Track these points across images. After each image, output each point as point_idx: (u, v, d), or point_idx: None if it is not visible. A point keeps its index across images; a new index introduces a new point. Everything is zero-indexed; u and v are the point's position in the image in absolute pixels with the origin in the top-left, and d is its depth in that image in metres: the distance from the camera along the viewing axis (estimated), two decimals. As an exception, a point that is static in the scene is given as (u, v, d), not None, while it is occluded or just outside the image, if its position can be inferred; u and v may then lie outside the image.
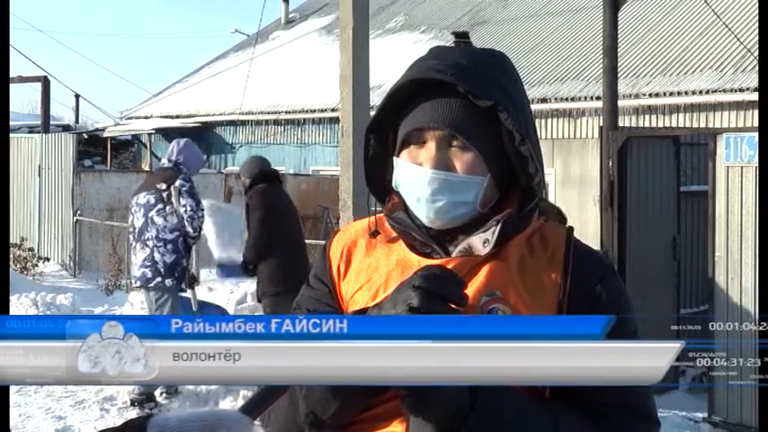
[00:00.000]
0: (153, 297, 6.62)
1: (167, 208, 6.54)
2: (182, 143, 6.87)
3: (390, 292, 1.33)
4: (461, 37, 1.50)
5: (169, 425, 1.11)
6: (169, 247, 6.53)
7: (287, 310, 6.01)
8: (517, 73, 1.51)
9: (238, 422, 1.14)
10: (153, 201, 6.58)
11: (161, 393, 6.82)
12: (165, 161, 6.83)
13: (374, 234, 1.50)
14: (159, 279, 6.52)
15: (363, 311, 1.35)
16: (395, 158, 1.47)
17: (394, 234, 1.49)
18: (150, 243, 6.55)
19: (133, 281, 6.84)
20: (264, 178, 6.59)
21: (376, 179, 1.54)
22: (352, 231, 1.56)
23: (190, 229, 6.56)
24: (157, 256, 6.52)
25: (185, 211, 6.52)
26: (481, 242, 1.41)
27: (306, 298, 1.55)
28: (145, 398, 6.57)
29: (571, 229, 1.49)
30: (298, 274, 6.34)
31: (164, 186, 6.58)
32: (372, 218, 1.53)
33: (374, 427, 1.39)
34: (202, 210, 6.61)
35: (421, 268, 1.33)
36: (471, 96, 1.39)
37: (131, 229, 6.77)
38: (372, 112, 1.49)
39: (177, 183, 6.56)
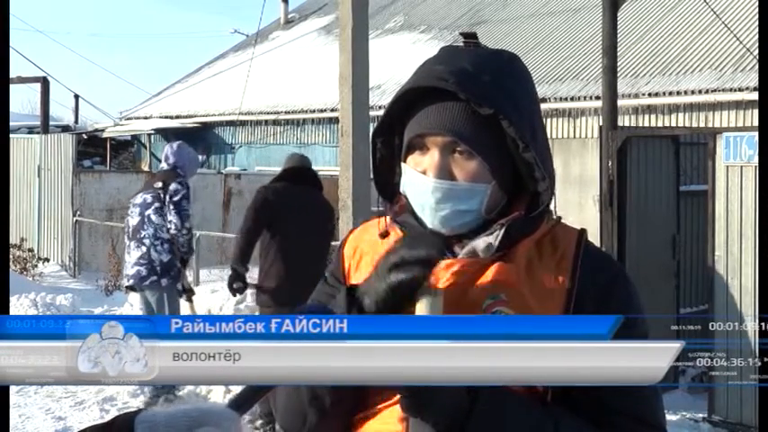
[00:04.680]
0: (150, 297, 6.56)
1: (164, 207, 6.50)
2: (175, 146, 6.80)
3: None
4: (470, 38, 1.48)
5: (157, 420, 1.11)
6: (165, 246, 6.48)
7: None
8: (528, 75, 1.49)
9: (226, 418, 1.14)
10: (150, 199, 6.53)
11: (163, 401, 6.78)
12: (163, 164, 6.79)
13: (384, 235, 1.51)
14: (155, 278, 6.46)
15: (354, 288, 1.37)
16: (402, 164, 1.47)
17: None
18: (147, 241, 6.47)
19: (126, 280, 6.69)
20: (288, 176, 6.06)
21: (384, 181, 1.54)
22: (365, 231, 1.57)
23: (177, 245, 6.53)
24: (154, 255, 6.46)
25: (170, 229, 6.46)
26: (484, 245, 1.41)
27: (321, 293, 1.56)
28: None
29: (583, 231, 1.48)
30: (297, 289, 5.63)
31: (160, 185, 6.55)
32: (382, 219, 1.53)
33: (375, 425, 1.39)
34: (187, 228, 6.52)
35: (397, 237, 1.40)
36: (472, 104, 1.38)
37: (127, 229, 6.73)
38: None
39: (172, 186, 6.51)
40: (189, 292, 6.88)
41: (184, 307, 6.96)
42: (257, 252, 6.07)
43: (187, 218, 6.53)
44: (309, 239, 5.82)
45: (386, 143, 1.52)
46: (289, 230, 5.82)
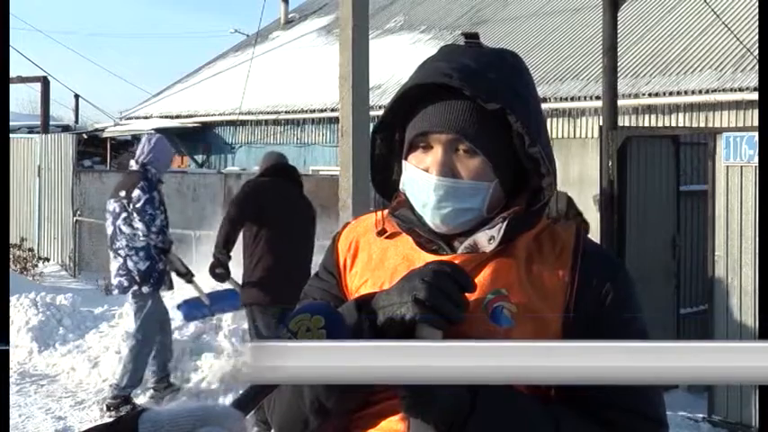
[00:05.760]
0: (133, 305, 6.68)
1: (131, 216, 6.51)
2: (153, 141, 6.77)
3: (399, 279, 1.33)
4: (471, 38, 1.48)
5: (161, 419, 1.10)
6: (141, 254, 6.53)
7: (272, 316, 5.42)
8: (529, 73, 1.49)
9: (230, 417, 1.13)
10: (118, 209, 6.57)
11: (152, 390, 6.88)
12: (132, 163, 6.76)
13: (381, 232, 1.50)
14: (136, 287, 6.55)
15: (371, 296, 1.35)
16: (403, 162, 1.46)
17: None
18: (122, 252, 6.56)
19: (113, 289, 6.88)
20: (271, 173, 6.09)
21: (382, 178, 1.54)
22: (361, 225, 1.56)
23: (152, 247, 6.57)
24: (131, 265, 6.53)
25: (138, 236, 6.49)
26: (486, 239, 1.41)
27: (314, 288, 1.55)
28: (120, 401, 6.58)
29: (579, 227, 1.48)
30: (285, 285, 5.68)
31: (124, 194, 6.56)
32: (379, 214, 1.52)
33: (376, 424, 1.38)
34: (155, 231, 6.51)
35: (434, 262, 1.34)
36: (479, 100, 1.38)
37: (106, 236, 6.81)
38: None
39: (134, 193, 6.49)
40: (187, 275, 6.91)
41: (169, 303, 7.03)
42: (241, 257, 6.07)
43: (152, 221, 6.52)
44: (296, 234, 5.91)
45: (385, 140, 1.51)
46: (276, 224, 5.86)
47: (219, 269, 5.95)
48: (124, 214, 6.53)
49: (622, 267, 1.51)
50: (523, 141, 1.41)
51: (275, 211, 5.89)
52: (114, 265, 6.63)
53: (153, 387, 6.91)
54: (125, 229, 6.52)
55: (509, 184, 1.45)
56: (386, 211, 1.51)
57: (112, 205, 6.64)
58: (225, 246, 5.92)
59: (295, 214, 5.99)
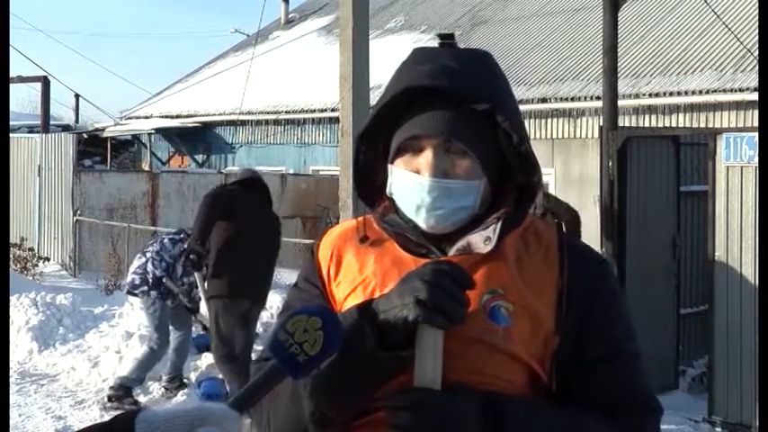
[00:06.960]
0: (143, 304, 6.92)
1: (181, 244, 6.80)
2: None
3: (397, 283, 1.33)
4: (446, 39, 1.49)
5: (157, 420, 1.10)
6: (163, 264, 6.85)
7: (232, 317, 5.79)
8: (502, 71, 1.51)
9: (227, 417, 1.13)
10: (179, 236, 6.97)
11: (163, 388, 6.94)
12: None
13: (363, 240, 1.48)
14: (145, 288, 6.82)
15: (370, 302, 1.34)
16: (390, 166, 1.45)
17: (384, 235, 1.47)
18: (148, 254, 6.93)
19: (126, 286, 7.22)
20: (243, 184, 6.48)
21: (366, 183, 1.52)
22: (340, 233, 1.54)
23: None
24: (150, 267, 6.84)
25: (186, 289, 6.80)
26: (482, 240, 1.41)
27: (296, 298, 1.52)
28: (122, 394, 6.68)
29: (560, 224, 1.50)
30: (248, 283, 6.15)
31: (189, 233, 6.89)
32: (361, 219, 1.51)
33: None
34: (187, 282, 6.83)
35: (431, 262, 1.35)
36: (468, 101, 1.39)
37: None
38: (372, 113, 1.48)
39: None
40: (193, 310, 7.25)
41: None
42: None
43: (187, 274, 6.79)
44: (259, 240, 6.24)
45: (370, 145, 1.50)
46: (241, 226, 6.17)
47: (194, 256, 6.20)
48: (176, 237, 6.98)
49: (607, 263, 1.55)
50: (509, 139, 1.42)
51: (241, 214, 6.21)
52: (136, 263, 7.00)
53: (164, 386, 6.98)
54: (167, 242, 6.97)
55: (495, 181, 1.45)
56: (368, 217, 1.50)
57: (180, 231, 7.17)
58: (200, 237, 6.19)
59: (261, 222, 6.32)
